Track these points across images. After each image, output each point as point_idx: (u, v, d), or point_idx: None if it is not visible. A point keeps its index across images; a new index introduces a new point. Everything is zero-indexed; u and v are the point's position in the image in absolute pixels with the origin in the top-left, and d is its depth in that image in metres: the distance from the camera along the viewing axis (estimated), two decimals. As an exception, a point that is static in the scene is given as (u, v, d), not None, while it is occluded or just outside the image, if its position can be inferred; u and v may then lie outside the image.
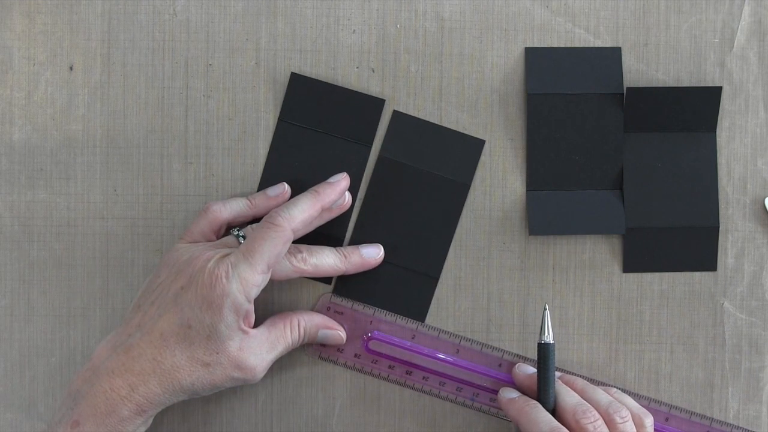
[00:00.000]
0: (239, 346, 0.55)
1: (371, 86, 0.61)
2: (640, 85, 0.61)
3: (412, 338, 0.60)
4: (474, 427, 0.62)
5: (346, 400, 0.62)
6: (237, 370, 0.55)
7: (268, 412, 0.62)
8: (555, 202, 0.61)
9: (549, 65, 0.61)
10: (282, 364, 0.61)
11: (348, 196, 0.60)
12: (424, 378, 0.60)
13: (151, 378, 0.53)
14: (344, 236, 0.61)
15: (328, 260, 0.58)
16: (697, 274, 0.62)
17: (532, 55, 0.61)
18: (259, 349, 0.56)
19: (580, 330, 0.62)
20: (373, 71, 0.61)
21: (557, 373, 0.60)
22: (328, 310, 0.61)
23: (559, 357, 0.61)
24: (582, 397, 0.56)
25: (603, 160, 0.61)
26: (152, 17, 0.61)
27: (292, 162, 0.61)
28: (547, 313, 0.57)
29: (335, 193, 0.58)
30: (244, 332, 0.55)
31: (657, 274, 0.62)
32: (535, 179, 0.61)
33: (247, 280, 0.54)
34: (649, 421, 0.56)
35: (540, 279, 0.62)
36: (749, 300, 0.62)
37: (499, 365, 0.61)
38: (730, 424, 0.61)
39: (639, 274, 0.62)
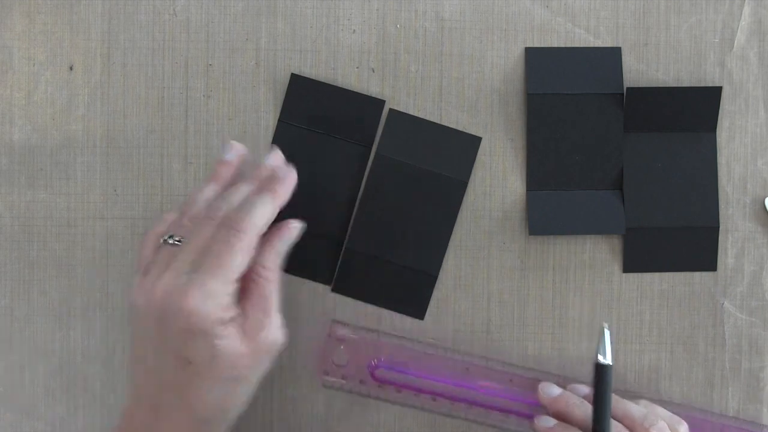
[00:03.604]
0: (244, 340, 0.51)
1: (371, 86, 0.61)
2: (640, 85, 0.61)
3: (419, 360, 0.59)
4: (474, 427, 0.62)
5: (346, 400, 0.62)
6: (263, 353, 0.52)
7: (268, 412, 0.62)
8: (555, 202, 0.61)
9: (549, 65, 0.61)
10: (282, 363, 0.61)
11: (292, 172, 0.56)
12: (433, 399, 0.59)
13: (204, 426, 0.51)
14: (344, 237, 0.61)
15: (262, 221, 0.53)
16: (697, 274, 0.62)
17: (532, 55, 0.61)
18: (261, 324, 0.52)
19: (580, 330, 0.62)
20: (373, 71, 0.61)
21: (582, 387, 0.58)
22: (329, 336, 0.59)
23: (559, 357, 0.61)
24: (613, 412, 0.54)
25: (603, 160, 0.61)
26: (152, 17, 0.61)
27: (292, 162, 0.61)
28: (607, 332, 0.53)
29: (288, 188, 0.55)
30: (238, 326, 0.51)
31: (657, 274, 0.62)
32: (535, 179, 0.61)
33: (220, 294, 0.50)
34: (683, 429, 0.55)
35: (540, 279, 0.62)
36: (749, 300, 0.62)
37: (510, 380, 0.59)
38: (738, 419, 0.61)
39: (639, 274, 0.62)
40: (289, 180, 0.55)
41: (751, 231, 0.62)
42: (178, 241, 0.53)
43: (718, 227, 0.62)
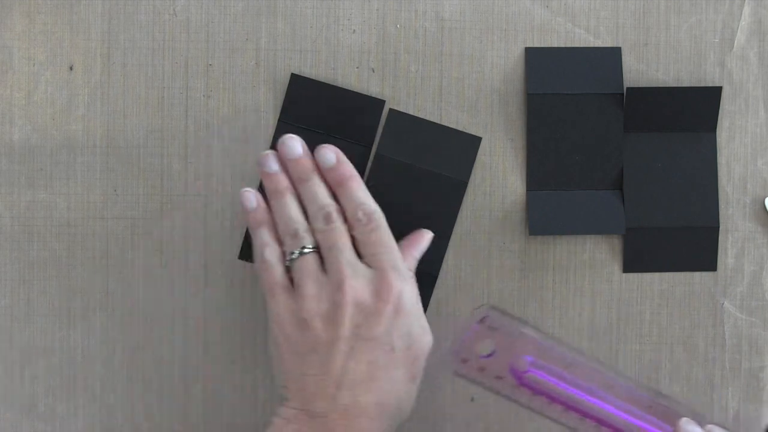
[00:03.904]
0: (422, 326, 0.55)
1: (371, 86, 0.61)
2: (640, 85, 0.61)
3: (567, 367, 0.55)
4: (474, 428, 0.62)
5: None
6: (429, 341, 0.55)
7: (268, 412, 0.62)
8: (555, 202, 0.61)
9: (549, 65, 0.61)
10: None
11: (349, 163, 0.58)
12: (564, 411, 0.54)
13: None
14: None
15: (372, 201, 0.56)
16: (697, 274, 0.62)
17: (532, 55, 0.61)
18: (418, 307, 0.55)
19: (580, 330, 0.62)
20: (373, 71, 0.61)
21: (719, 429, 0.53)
22: (481, 323, 0.55)
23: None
24: None
25: (603, 160, 0.61)
26: (152, 17, 0.61)
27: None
28: None
29: (350, 166, 0.57)
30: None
31: (657, 274, 0.62)
32: (535, 179, 0.61)
33: (410, 274, 0.56)
34: None
35: (540, 279, 0.62)
36: (749, 300, 0.62)
37: (650, 407, 0.54)
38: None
39: (639, 274, 0.62)
40: (341, 157, 0.57)
41: (751, 231, 0.62)
42: (311, 247, 0.54)
43: (718, 227, 0.62)
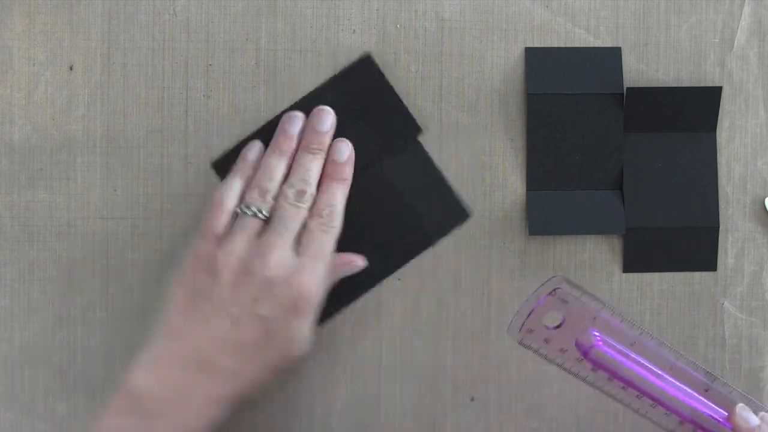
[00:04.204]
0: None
1: (371, 86, 0.61)
2: (640, 85, 0.61)
3: (632, 345, 0.54)
4: (474, 428, 0.62)
5: (346, 400, 0.62)
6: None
7: (268, 412, 0.62)
8: (555, 202, 0.61)
9: (549, 65, 0.61)
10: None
11: (351, 149, 0.59)
12: (623, 388, 0.54)
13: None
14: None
15: (342, 211, 0.58)
16: (697, 274, 0.62)
17: (532, 55, 0.61)
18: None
19: (580, 330, 0.62)
20: (373, 71, 0.61)
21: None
22: (552, 294, 0.54)
23: (559, 357, 0.61)
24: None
25: (603, 160, 0.61)
26: (152, 17, 0.61)
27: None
28: None
29: (351, 172, 0.59)
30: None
31: (657, 274, 0.62)
32: (535, 179, 0.61)
33: (326, 284, 0.57)
34: None
35: (540, 279, 0.62)
36: (749, 300, 0.62)
37: (706, 390, 0.54)
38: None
39: (639, 274, 0.62)
40: (351, 159, 0.59)
41: (751, 231, 0.62)
42: (264, 215, 0.56)
43: (718, 227, 0.62)
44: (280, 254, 0.55)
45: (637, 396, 0.54)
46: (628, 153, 0.61)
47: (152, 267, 0.61)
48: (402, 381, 0.62)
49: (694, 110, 0.61)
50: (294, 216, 0.56)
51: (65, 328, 0.61)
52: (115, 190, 0.61)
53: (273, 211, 0.57)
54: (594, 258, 0.62)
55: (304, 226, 0.57)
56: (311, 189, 0.57)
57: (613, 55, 0.61)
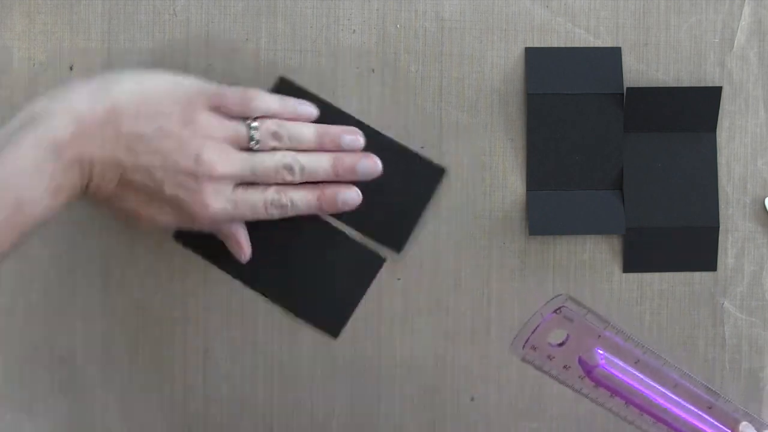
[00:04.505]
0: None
1: (371, 86, 0.61)
2: (640, 85, 0.61)
3: (636, 363, 0.54)
4: (474, 428, 0.62)
5: (346, 401, 0.62)
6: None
7: (268, 412, 0.62)
8: (555, 202, 0.61)
9: (549, 65, 0.61)
10: (282, 363, 0.61)
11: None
12: (626, 405, 0.54)
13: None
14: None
15: (302, 198, 0.57)
16: (697, 274, 0.62)
17: (532, 55, 0.61)
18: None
19: (580, 330, 0.62)
20: (373, 71, 0.61)
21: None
22: (557, 312, 0.54)
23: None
24: None
25: (603, 160, 0.61)
26: (152, 17, 0.61)
27: None
28: None
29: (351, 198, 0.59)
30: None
31: (657, 274, 0.62)
32: (535, 179, 0.61)
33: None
34: None
35: (540, 279, 0.62)
36: (749, 300, 0.62)
37: (710, 408, 0.54)
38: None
39: (639, 274, 0.62)
40: (354, 198, 0.59)
41: (751, 231, 0.62)
42: (253, 142, 0.56)
43: (718, 227, 0.62)
44: (227, 159, 0.55)
45: (639, 414, 0.54)
46: (628, 153, 0.61)
47: (152, 267, 0.61)
48: (402, 381, 0.62)
49: (694, 110, 0.61)
50: (268, 159, 0.56)
51: (65, 328, 0.61)
52: (115, 190, 0.61)
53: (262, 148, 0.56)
54: (594, 258, 0.62)
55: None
56: (300, 163, 0.57)
57: (613, 55, 0.61)
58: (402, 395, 0.62)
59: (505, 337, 0.62)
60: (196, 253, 0.61)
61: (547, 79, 0.61)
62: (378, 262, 0.61)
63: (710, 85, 0.62)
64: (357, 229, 0.61)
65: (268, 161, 0.56)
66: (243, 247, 0.59)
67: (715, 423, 0.54)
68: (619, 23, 0.62)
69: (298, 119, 0.58)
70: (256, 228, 0.59)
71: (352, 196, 0.58)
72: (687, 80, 0.62)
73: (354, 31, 0.61)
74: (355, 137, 0.58)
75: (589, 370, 0.54)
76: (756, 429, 0.53)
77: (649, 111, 0.61)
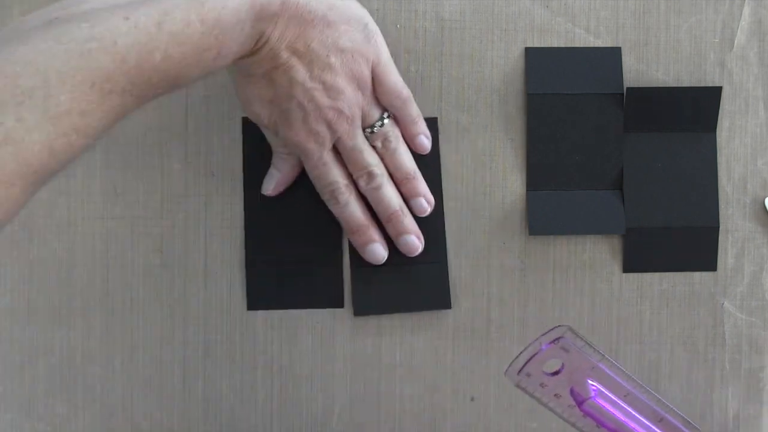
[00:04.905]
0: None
1: (371, 86, 0.61)
2: (640, 85, 0.61)
3: (625, 396, 0.56)
4: (474, 428, 0.62)
5: (346, 400, 0.62)
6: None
7: (268, 412, 0.62)
8: (555, 202, 0.61)
9: (549, 65, 0.61)
10: (282, 363, 0.61)
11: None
12: None
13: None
14: (339, 257, 0.61)
15: (356, 209, 0.59)
16: (697, 274, 0.62)
17: (532, 55, 0.61)
18: None
19: (580, 330, 0.62)
20: (373, 71, 0.61)
21: None
22: (555, 342, 0.55)
23: (559, 357, 0.61)
24: None
25: (603, 160, 0.61)
26: (152, 17, 0.61)
27: (269, 197, 0.61)
28: None
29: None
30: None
31: (657, 274, 0.62)
32: (535, 179, 0.61)
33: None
34: None
35: (540, 279, 0.62)
36: (749, 300, 0.62)
37: (660, 419, 0.56)
38: None
39: (639, 274, 0.62)
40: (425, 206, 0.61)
41: (751, 231, 0.62)
42: (377, 126, 0.58)
43: (718, 227, 0.62)
44: (354, 117, 0.56)
45: None
46: (628, 153, 0.61)
47: (152, 267, 0.61)
48: (402, 381, 0.62)
49: (694, 110, 0.61)
50: (368, 153, 0.58)
51: (65, 328, 0.61)
52: (115, 190, 0.61)
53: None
54: (594, 258, 0.62)
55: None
56: (382, 183, 0.59)
57: (613, 55, 0.61)
58: (402, 395, 0.62)
59: (505, 337, 0.62)
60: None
61: (547, 79, 0.61)
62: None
63: (710, 85, 0.62)
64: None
65: (366, 153, 0.58)
66: (274, 184, 0.60)
67: None
68: (619, 23, 0.62)
69: (411, 143, 0.60)
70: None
71: (414, 243, 0.60)
72: (687, 80, 0.62)
73: (354, 31, 0.61)
74: (427, 208, 0.60)
75: (580, 401, 0.55)
76: None
77: (649, 111, 0.61)
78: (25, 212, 0.61)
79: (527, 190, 0.61)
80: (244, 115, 0.61)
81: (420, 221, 0.60)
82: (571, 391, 0.55)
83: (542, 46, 0.61)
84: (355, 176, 0.58)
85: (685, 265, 0.62)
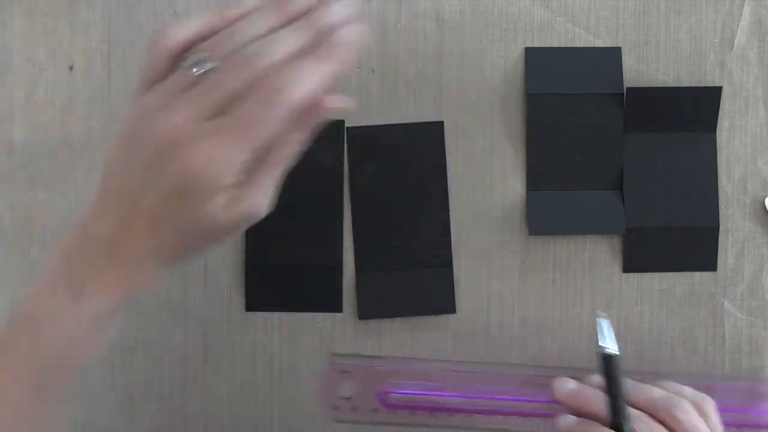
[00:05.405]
0: (234, 210, 0.44)
1: (371, 86, 0.61)
2: (640, 85, 0.61)
3: (426, 377, 0.58)
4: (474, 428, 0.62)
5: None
6: (243, 223, 0.45)
7: (268, 412, 0.62)
8: (555, 202, 0.61)
9: (549, 65, 0.61)
10: (282, 364, 0.61)
11: (358, 33, 0.45)
12: (450, 416, 0.58)
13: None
14: (340, 261, 0.61)
15: (306, 96, 0.43)
16: (697, 274, 0.62)
17: (532, 55, 0.61)
18: (255, 200, 0.44)
19: (581, 330, 0.62)
20: (373, 71, 0.61)
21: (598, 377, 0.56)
22: (331, 370, 0.58)
23: (560, 357, 0.61)
24: (636, 398, 0.53)
25: (603, 160, 0.61)
26: (152, 17, 0.61)
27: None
28: (605, 321, 0.52)
29: (352, 58, 0.45)
30: (231, 193, 0.44)
31: (657, 274, 0.62)
32: (535, 179, 0.61)
33: (235, 166, 0.42)
34: (710, 406, 0.53)
35: (540, 279, 0.62)
36: (749, 300, 0.62)
37: (525, 382, 0.58)
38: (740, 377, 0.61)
39: (639, 274, 0.62)
40: (352, 46, 0.45)
41: (751, 231, 0.62)
42: (200, 66, 0.44)
43: (718, 227, 0.62)
44: (180, 119, 0.43)
45: (448, 415, 0.57)
46: (628, 153, 0.61)
47: (152, 267, 0.61)
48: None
49: (694, 110, 0.61)
50: (234, 74, 0.43)
51: (65, 328, 0.61)
52: (115, 190, 0.61)
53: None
54: (594, 258, 0.62)
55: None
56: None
57: (613, 55, 0.61)
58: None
59: (505, 337, 0.62)
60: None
61: (547, 79, 0.61)
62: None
63: (710, 85, 0.62)
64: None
65: (227, 61, 0.44)
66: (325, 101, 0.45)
67: (533, 392, 0.57)
68: (619, 23, 0.62)
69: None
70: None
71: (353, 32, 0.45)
72: (687, 80, 0.62)
73: (354, 31, 0.61)
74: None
75: (384, 401, 0.58)
76: (580, 378, 0.56)
77: (649, 111, 0.61)
78: (25, 212, 0.61)
79: (527, 190, 0.61)
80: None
81: (425, 225, 0.60)
82: (377, 398, 0.58)
83: (542, 46, 0.61)
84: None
85: (685, 265, 0.62)
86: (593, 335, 0.61)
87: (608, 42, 0.62)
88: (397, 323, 0.61)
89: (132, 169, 0.44)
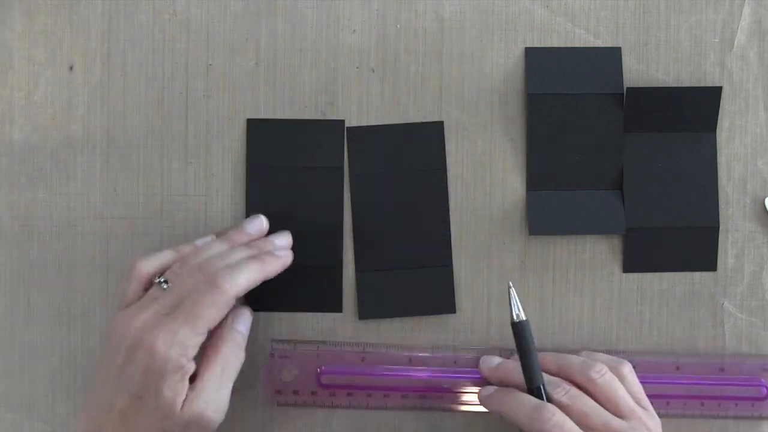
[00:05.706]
0: (190, 404, 0.53)
1: (371, 86, 0.61)
2: (640, 85, 0.61)
3: (362, 360, 0.60)
4: (474, 428, 0.62)
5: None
6: (197, 427, 0.53)
7: (268, 412, 0.62)
8: (555, 202, 0.61)
9: (549, 65, 0.61)
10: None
11: (290, 255, 0.58)
12: (385, 396, 0.60)
13: None
14: (340, 262, 0.61)
15: (243, 285, 0.55)
16: (697, 274, 0.62)
17: (532, 55, 0.61)
18: (209, 395, 0.54)
19: (580, 330, 0.62)
20: (373, 71, 0.61)
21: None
22: (272, 357, 0.60)
23: (559, 357, 0.61)
24: (555, 367, 0.56)
25: (603, 160, 0.61)
26: (152, 17, 0.61)
27: (272, 204, 0.61)
28: (513, 290, 0.55)
29: (279, 267, 0.57)
30: (191, 388, 0.53)
31: (657, 274, 0.62)
32: (535, 179, 0.61)
33: (187, 344, 0.52)
34: (626, 368, 0.56)
35: (540, 279, 0.62)
36: (749, 300, 0.62)
37: (455, 362, 0.60)
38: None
39: (639, 274, 0.62)
40: (283, 261, 0.58)
41: (751, 231, 0.62)
42: (166, 283, 0.55)
43: (718, 227, 0.62)
44: (146, 317, 0.53)
45: (384, 396, 0.60)
46: (628, 153, 0.61)
47: (152, 267, 0.61)
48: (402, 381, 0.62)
49: (694, 110, 0.61)
50: (184, 281, 0.54)
51: (65, 328, 0.61)
52: (115, 190, 0.61)
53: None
54: (594, 258, 0.62)
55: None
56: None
57: (613, 55, 0.61)
58: (403, 395, 0.62)
59: (505, 337, 0.62)
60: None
61: (547, 79, 0.61)
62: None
63: (710, 85, 0.62)
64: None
65: (178, 275, 0.55)
66: (242, 313, 0.58)
67: (463, 370, 0.60)
68: (619, 23, 0.62)
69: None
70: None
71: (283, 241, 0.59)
72: (687, 80, 0.62)
73: (354, 31, 0.61)
74: (259, 221, 0.59)
75: (319, 381, 0.60)
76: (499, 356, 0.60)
77: (649, 111, 0.61)
78: (25, 212, 0.61)
79: (527, 190, 0.61)
80: (247, 116, 0.61)
81: (426, 225, 0.60)
82: (316, 380, 0.60)
83: (542, 46, 0.61)
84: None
85: (685, 265, 0.62)
86: (594, 336, 0.62)
87: (608, 42, 0.62)
88: (397, 323, 0.61)
89: (110, 373, 0.53)
